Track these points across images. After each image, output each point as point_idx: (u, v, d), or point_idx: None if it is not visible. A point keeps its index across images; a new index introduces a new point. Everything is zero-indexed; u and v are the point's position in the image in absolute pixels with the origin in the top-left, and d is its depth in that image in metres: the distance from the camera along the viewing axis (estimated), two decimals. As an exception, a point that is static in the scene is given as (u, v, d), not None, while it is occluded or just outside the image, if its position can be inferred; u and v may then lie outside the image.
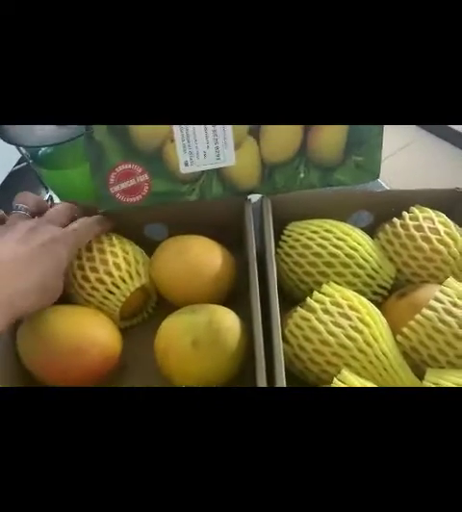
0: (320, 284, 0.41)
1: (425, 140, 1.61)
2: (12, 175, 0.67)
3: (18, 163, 0.65)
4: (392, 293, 0.43)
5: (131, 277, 0.43)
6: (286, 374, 0.34)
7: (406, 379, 0.37)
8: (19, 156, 0.65)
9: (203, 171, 0.44)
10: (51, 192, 0.63)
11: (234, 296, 0.47)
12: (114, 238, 0.45)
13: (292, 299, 0.45)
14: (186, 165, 0.43)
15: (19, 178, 0.66)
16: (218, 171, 0.45)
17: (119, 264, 0.43)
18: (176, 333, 0.39)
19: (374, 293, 0.43)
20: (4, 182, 0.64)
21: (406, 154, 1.55)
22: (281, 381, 0.34)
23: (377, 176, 0.49)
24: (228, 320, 0.39)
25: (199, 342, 0.37)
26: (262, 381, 0.35)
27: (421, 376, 0.37)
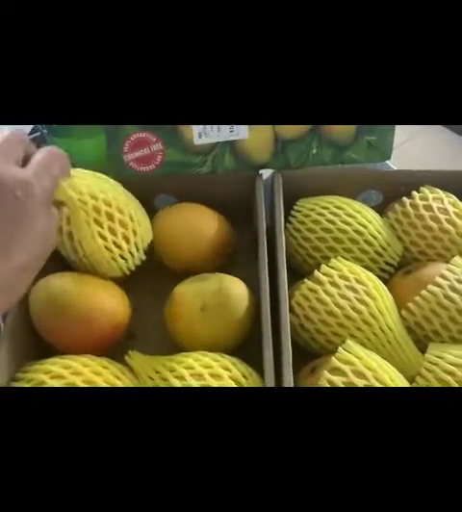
0: (328, 259, 0.42)
1: (437, 129, 1.60)
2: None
3: (31, 132, 0.65)
4: (398, 270, 0.44)
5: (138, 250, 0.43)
6: (291, 345, 0.35)
7: (409, 352, 0.37)
8: (31, 126, 0.65)
9: (216, 144, 0.44)
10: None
11: (243, 269, 0.47)
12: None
13: (300, 274, 0.45)
14: (200, 136, 0.44)
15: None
16: (231, 144, 0.45)
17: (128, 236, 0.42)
18: (186, 298, 0.40)
19: (382, 269, 0.44)
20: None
21: (420, 142, 1.54)
22: (287, 350, 0.35)
23: (389, 157, 0.49)
24: (237, 288, 0.40)
25: (208, 306, 0.38)
26: (268, 350, 0.36)
27: (423, 351, 0.38)
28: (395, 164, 0.60)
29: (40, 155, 0.34)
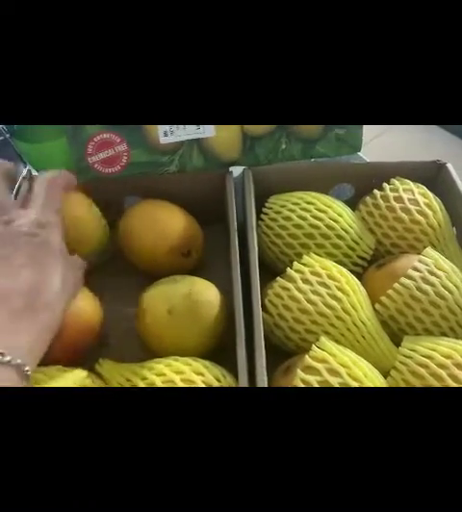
0: (300, 256, 0.41)
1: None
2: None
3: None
4: (371, 264, 0.44)
5: None
6: (266, 345, 0.35)
7: (384, 347, 0.37)
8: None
9: (183, 142, 0.43)
10: (29, 166, 0.62)
11: (215, 269, 0.47)
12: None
13: (273, 273, 0.44)
14: (165, 135, 0.43)
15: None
16: (199, 142, 0.44)
17: None
18: (155, 300, 0.39)
19: (355, 264, 0.43)
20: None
21: (392, 134, 1.55)
22: (260, 350, 0.34)
23: (359, 149, 0.49)
24: (207, 293, 0.39)
25: (175, 310, 0.37)
26: (241, 350, 0.35)
27: (399, 345, 0.37)
28: (367, 158, 0.60)
29: (41, 188, 0.34)
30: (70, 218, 0.38)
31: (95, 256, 0.44)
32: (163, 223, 0.44)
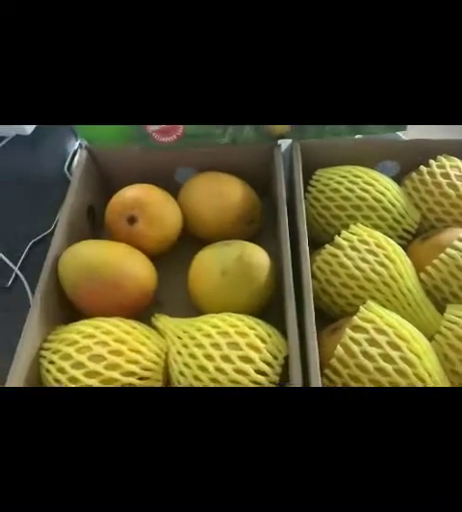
0: (347, 227, 0.42)
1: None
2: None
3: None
4: (416, 238, 0.45)
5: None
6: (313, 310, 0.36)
7: (428, 314, 0.38)
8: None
9: (237, 114, 0.45)
10: (80, 140, 0.65)
11: (264, 239, 0.49)
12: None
13: (319, 244, 0.46)
14: (220, 106, 0.44)
15: (50, 125, 0.67)
16: (251, 115, 0.46)
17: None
18: (208, 262, 0.41)
19: (400, 237, 0.44)
20: (35, 129, 0.65)
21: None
22: (310, 310, 0.36)
23: (404, 127, 0.50)
24: (258, 256, 0.41)
25: (228, 271, 0.39)
26: (291, 310, 0.37)
27: (442, 314, 0.38)
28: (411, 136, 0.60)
29: None
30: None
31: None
32: (227, 194, 0.46)
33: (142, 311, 0.43)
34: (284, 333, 0.38)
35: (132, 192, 0.45)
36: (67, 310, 0.42)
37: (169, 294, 0.46)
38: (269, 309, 0.42)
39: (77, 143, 0.66)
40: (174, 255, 0.48)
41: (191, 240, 0.49)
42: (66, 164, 0.62)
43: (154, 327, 0.40)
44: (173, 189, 0.50)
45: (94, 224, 0.51)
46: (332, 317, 0.41)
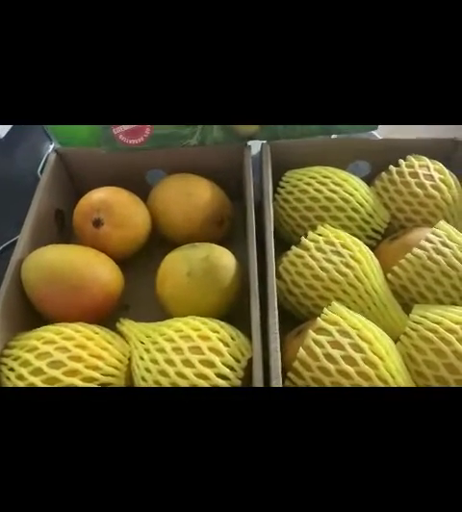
0: (316, 229, 0.42)
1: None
2: (16, 126, 0.68)
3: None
4: (385, 238, 0.44)
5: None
6: (279, 312, 0.36)
7: (394, 314, 0.38)
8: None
9: (204, 115, 0.45)
10: (54, 144, 0.64)
11: (233, 240, 0.48)
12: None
13: (289, 245, 0.46)
14: (187, 107, 0.44)
15: (23, 129, 0.67)
16: (219, 116, 0.45)
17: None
18: (175, 263, 0.41)
19: (369, 237, 0.44)
20: (8, 133, 0.65)
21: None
22: (273, 311, 0.36)
23: (376, 127, 0.50)
24: (224, 258, 0.41)
25: (194, 273, 0.39)
26: (255, 311, 0.36)
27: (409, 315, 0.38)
28: (384, 136, 0.60)
29: None
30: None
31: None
32: (195, 195, 0.46)
33: (109, 315, 0.42)
34: (250, 336, 0.37)
35: (98, 195, 0.44)
36: (32, 316, 0.41)
37: (138, 298, 0.46)
38: (237, 311, 0.42)
39: (51, 147, 0.65)
40: (144, 258, 0.48)
41: (161, 242, 0.48)
42: (40, 168, 0.62)
43: (119, 332, 0.40)
44: (145, 191, 0.49)
45: (64, 229, 0.50)
46: (300, 319, 0.41)
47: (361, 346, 0.33)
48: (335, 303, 0.36)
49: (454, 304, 0.38)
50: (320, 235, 0.40)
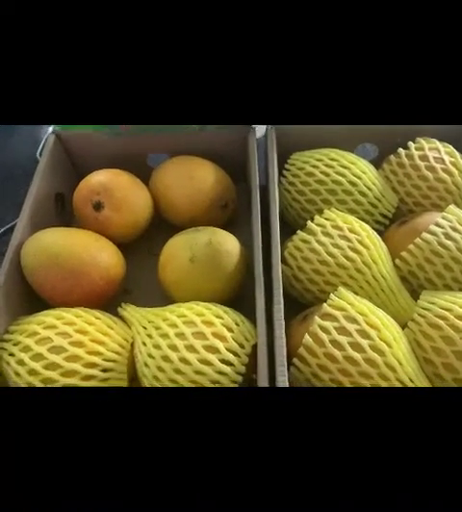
0: (322, 212, 0.41)
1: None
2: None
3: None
4: (394, 223, 0.43)
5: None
6: (285, 297, 0.35)
7: (402, 300, 0.37)
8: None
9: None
10: (53, 126, 0.62)
11: (238, 225, 0.47)
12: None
13: (294, 229, 0.45)
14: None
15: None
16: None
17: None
18: (177, 248, 0.40)
19: (376, 221, 0.43)
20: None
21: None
22: (278, 297, 0.35)
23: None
24: (228, 243, 0.40)
25: (197, 258, 0.38)
26: (260, 297, 0.35)
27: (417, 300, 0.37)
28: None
29: None
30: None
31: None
32: (199, 178, 0.45)
33: (110, 300, 0.41)
34: (255, 322, 0.36)
35: (98, 178, 0.43)
36: (32, 301, 0.41)
37: (140, 282, 0.45)
38: (241, 297, 0.41)
39: (50, 129, 0.64)
40: (146, 242, 0.47)
41: (163, 226, 0.47)
42: (39, 150, 0.60)
43: (121, 317, 0.39)
44: (146, 174, 0.48)
45: (64, 212, 0.49)
46: (305, 304, 0.40)
47: (368, 333, 0.32)
48: (342, 289, 0.35)
49: (463, 290, 0.37)
50: (327, 219, 0.39)
